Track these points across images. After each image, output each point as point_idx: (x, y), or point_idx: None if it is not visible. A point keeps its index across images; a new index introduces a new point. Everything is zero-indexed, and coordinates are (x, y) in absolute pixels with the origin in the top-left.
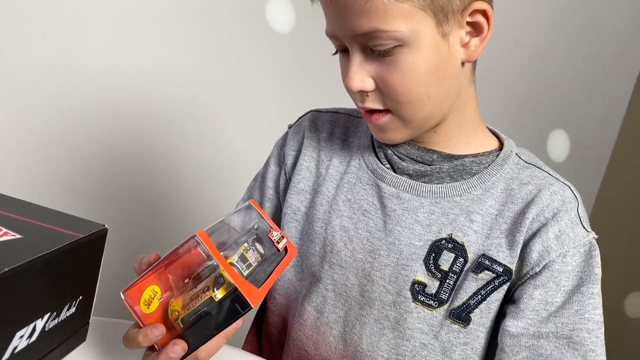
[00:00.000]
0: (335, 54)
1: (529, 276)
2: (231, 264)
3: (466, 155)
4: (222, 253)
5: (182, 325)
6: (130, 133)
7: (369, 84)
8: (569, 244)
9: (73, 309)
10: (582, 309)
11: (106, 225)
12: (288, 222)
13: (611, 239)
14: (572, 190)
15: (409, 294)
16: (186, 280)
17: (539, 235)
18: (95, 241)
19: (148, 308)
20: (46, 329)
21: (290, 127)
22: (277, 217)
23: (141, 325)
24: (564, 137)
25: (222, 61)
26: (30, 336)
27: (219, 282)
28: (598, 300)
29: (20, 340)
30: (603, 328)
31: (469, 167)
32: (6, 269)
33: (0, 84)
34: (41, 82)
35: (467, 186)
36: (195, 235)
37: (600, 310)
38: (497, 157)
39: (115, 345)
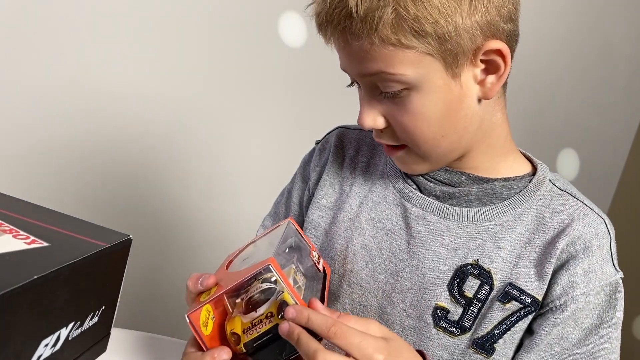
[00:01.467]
0: (350, 85)
1: (548, 308)
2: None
3: (497, 179)
4: (265, 276)
5: (244, 350)
6: (142, 145)
7: (380, 122)
8: (595, 283)
9: (96, 319)
10: (597, 352)
11: (130, 236)
12: (308, 237)
13: (620, 260)
14: (606, 224)
15: (430, 319)
16: (237, 300)
17: (567, 268)
18: (119, 251)
19: (206, 329)
20: (70, 338)
21: (317, 142)
22: None
23: (204, 348)
24: (574, 156)
25: (234, 75)
26: (54, 345)
27: (282, 309)
28: (616, 345)
29: (45, 349)
30: None
31: (499, 192)
32: (35, 277)
33: (16, 95)
34: (54, 93)
35: (496, 211)
36: (269, 265)
37: (616, 355)
38: (529, 182)
39: (134, 356)
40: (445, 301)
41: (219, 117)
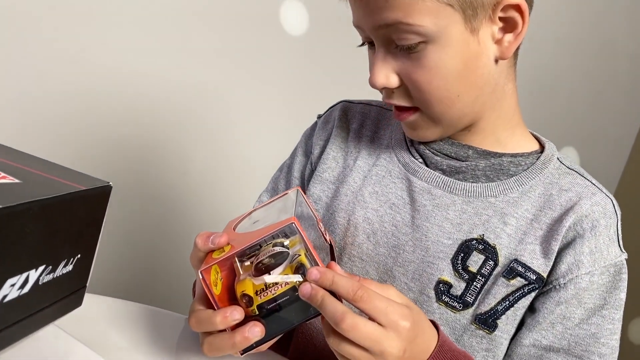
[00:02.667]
0: (361, 45)
1: (552, 286)
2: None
3: (504, 154)
4: (277, 240)
5: (257, 312)
6: (142, 133)
7: (393, 81)
8: (600, 263)
9: (70, 267)
10: (599, 332)
11: (110, 183)
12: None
13: None
14: (613, 205)
15: (432, 293)
16: (246, 263)
17: (573, 246)
18: (97, 197)
19: (216, 289)
20: (40, 283)
21: (319, 117)
22: None
23: (215, 307)
24: (574, 155)
25: (234, 62)
26: (22, 287)
27: (300, 271)
28: (618, 326)
29: (11, 290)
30: (617, 353)
31: (506, 168)
32: (1, 207)
33: (13, 82)
34: (55, 79)
35: (503, 187)
36: (293, 223)
37: (617, 336)
38: (537, 159)
39: (132, 327)
40: (448, 275)
41: (217, 105)
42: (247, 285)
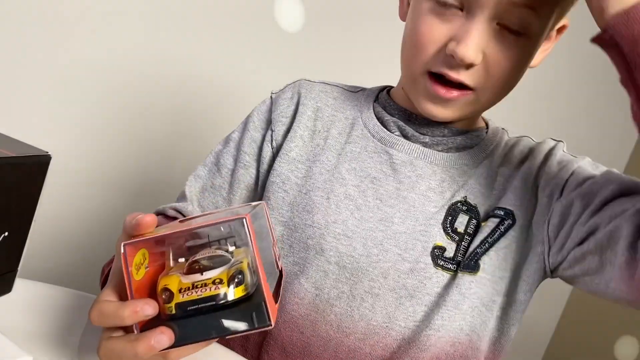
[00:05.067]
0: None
1: (559, 191)
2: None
3: (469, 130)
4: (221, 246)
5: (173, 312)
6: (135, 129)
7: (479, 60)
8: (573, 163)
9: None
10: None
11: (50, 153)
12: (275, 191)
13: None
14: (555, 140)
15: (429, 260)
16: (180, 260)
17: (545, 169)
18: (32, 167)
19: (137, 274)
20: None
21: (274, 93)
22: (252, 186)
23: (129, 294)
24: None
25: (228, 58)
26: None
27: (235, 279)
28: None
29: None
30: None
31: (472, 140)
32: None
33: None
34: (41, 71)
35: (471, 155)
36: (244, 219)
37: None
38: (488, 130)
39: (52, 312)
40: (441, 240)
41: (211, 101)
42: (172, 281)
